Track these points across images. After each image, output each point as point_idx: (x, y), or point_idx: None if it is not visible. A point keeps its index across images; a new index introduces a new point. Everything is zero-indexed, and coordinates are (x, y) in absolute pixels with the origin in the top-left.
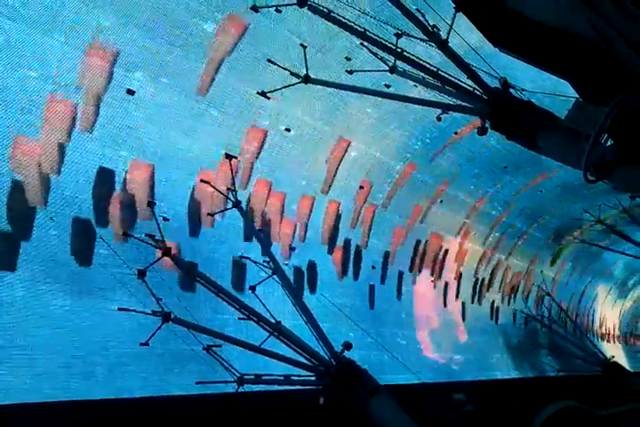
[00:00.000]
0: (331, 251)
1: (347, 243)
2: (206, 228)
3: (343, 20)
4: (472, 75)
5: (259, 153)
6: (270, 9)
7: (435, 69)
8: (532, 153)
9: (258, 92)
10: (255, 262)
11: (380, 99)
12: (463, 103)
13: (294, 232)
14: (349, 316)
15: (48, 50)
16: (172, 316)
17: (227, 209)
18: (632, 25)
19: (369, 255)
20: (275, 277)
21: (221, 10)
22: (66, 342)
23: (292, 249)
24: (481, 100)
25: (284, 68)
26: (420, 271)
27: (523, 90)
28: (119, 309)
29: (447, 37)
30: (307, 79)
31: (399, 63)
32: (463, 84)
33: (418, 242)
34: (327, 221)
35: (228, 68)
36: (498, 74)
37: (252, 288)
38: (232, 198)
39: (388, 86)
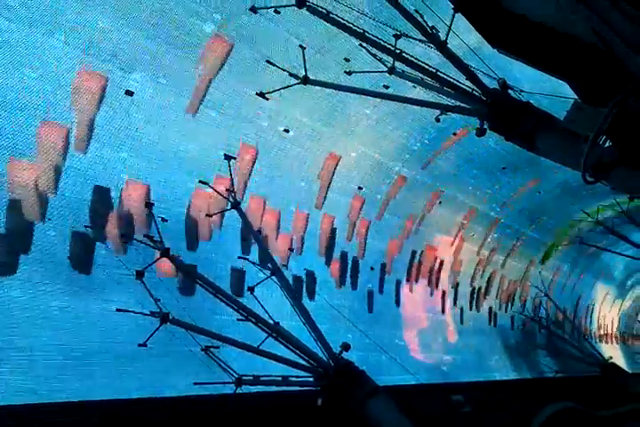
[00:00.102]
0: (328, 263)
1: (343, 255)
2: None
3: (342, 21)
4: (471, 76)
5: (251, 171)
6: (269, 10)
7: (433, 70)
8: (531, 154)
9: (257, 93)
10: (254, 263)
11: (378, 100)
12: (462, 104)
13: (291, 245)
14: (347, 317)
15: (47, 50)
16: (171, 317)
17: (226, 210)
18: (630, 25)
19: (366, 265)
20: (273, 278)
21: (220, 11)
22: (64, 343)
23: (290, 250)
24: (479, 101)
25: (283, 69)
26: (416, 281)
27: (521, 91)
28: (117, 310)
29: (446, 38)
30: (305, 80)
31: (398, 64)
32: (462, 85)
33: (413, 253)
34: (323, 233)
35: (227, 69)
36: (496, 75)
37: (251, 289)
38: (231, 199)
39: (386, 87)
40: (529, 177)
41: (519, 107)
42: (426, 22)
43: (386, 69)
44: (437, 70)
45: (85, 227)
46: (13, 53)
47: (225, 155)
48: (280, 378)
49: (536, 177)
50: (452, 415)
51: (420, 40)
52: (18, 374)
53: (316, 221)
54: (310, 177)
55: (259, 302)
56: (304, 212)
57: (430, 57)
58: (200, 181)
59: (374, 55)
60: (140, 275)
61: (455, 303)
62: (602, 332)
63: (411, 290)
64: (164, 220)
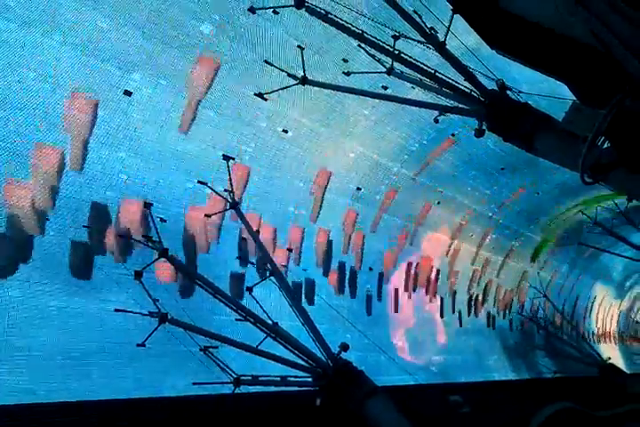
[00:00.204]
0: (326, 273)
1: (341, 265)
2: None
3: (341, 21)
4: (469, 77)
5: (245, 188)
6: (267, 10)
7: (432, 71)
8: (529, 155)
9: (255, 94)
10: (253, 264)
11: (377, 100)
12: (460, 105)
13: (288, 257)
14: (346, 318)
15: (46, 50)
16: (169, 317)
17: (225, 210)
18: (629, 27)
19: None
20: (272, 278)
21: (218, 11)
22: (63, 343)
23: (290, 250)
24: (478, 101)
25: (282, 70)
26: (414, 290)
27: (520, 92)
28: (116, 310)
29: (445, 39)
30: (304, 81)
31: (397, 65)
32: (460, 86)
33: (409, 264)
34: (319, 246)
35: (226, 69)
36: (495, 76)
37: (250, 289)
38: (229, 200)
39: (385, 88)
40: (526, 179)
41: (518, 108)
42: (424, 23)
43: (384, 70)
44: (436, 71)
45: (84, 226)
46: (12, 53)
47: (224, 155)
48: (279, 378)
49: (526, 182)
50: (451, 416)
51: (418, 41)
52: (16, 374)
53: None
54: (309, 177)
55: (257, 302)
56: (300, 226)
57: (429, 58)
58: (199, 182)
59: (373, 56)
60: (138, 275)
61: (454, 309)
62: (600, 332)
63: (410, 297)
64: (162, 220)
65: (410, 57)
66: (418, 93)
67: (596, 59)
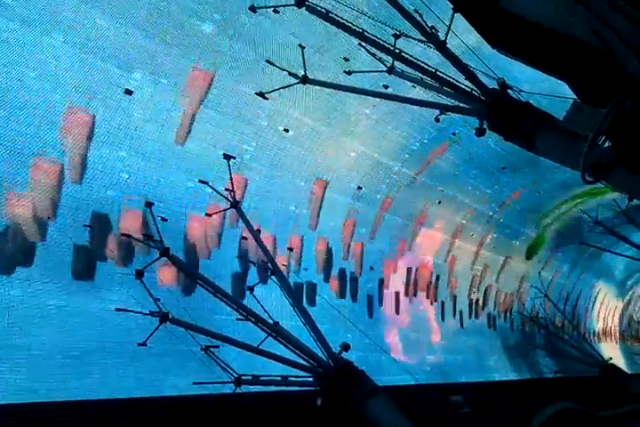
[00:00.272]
0: (327, 279)
1: (342, 271)
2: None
3: (341, 20)
4: (470, 76)
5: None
6: (268, 9)
7: (433, 70)
8: (530, 154)
9: (256, 93)
10: (254, 263)
11: (378, 99)
12: (461, 104)
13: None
14: (347, 317)
15: (46, 49)
16: (170, 316)
17: (225, 209)
18: (630, 26)
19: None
20: (273, 277)
21: (219, 10)
22: (63, 342)
23: (290, 250)
24: (479, 100)
25: (283, 69)
26: (415, 295)
27: (521, 91)
28: (117, 309)
29: (445, 38)
30: (305, 80)
31: (397, 64)
32: (461, 85)
33: (409, 270)
34: (319, 253)
35: (227, 68)
36: (496, 75)
37: (250, 289)
38: (230, 199)
39: (386, 87)
40: (527, 178)
41: (519, 107)
42: (425, 22)
43: (385, 69)
44: (437, 70)
45: (84, 226)
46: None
47: (224, 154)
48: (279, 378)
49: (527, 181)
50: (452, 416)
51: (419, 40)
52: (17, 373)
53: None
54: (310, 177)
55: (258, 301)
56: (299, 234)
57: (430, 57)
58: (200, 181)
59: (374, 55)
60: (139, 274)
61: (454, 312)
62: (601, 332)
63: (410, 301)
64: (163, 219)
65: (411, 56)
66: (419, 92)
67: (597, 58)
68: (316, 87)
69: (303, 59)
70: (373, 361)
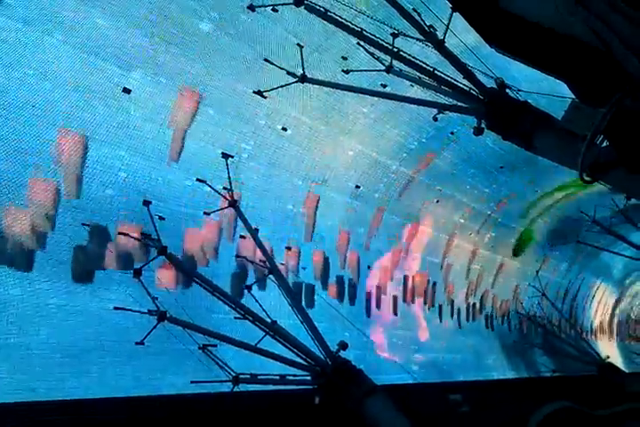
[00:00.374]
0: (325, 287)
1: (339, 278)
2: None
3: (340, 19)
4: (468, 75)
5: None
6: (267, 8)
7: (431, 69)
8: (529, 153)
9: (254, 92)
10: (252, 262)
11: (376, 98)
12: (459, 103)
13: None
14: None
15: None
16: (168, 315)
17: (223, 208)
18: (629, 26)
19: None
20: (271, 276)
21: (218, 9)
22: (61, 341)
23: (288, 249)
24: (477, 100)
25: (281, 68)
26: (412, 302)
27: (519, 90)
28: (115, 308)
29: (444, 37)
30: (303, 79)
31: (396, 63)
32: (459, 84)
33: (406, 277)
34: (316, 264)
35: (226, 67)
36: (494, 74)
37: (248, 288)
38: (228, 198)
39: (384, 86)
40: (526, 178)
41: (517, 106)
42: (423, 21)
43: (383, 68)
44: (435, 69)
45: (82, 224)
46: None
47: (222, 153)
48: (277, 377)
49: (525, 180)
50: (450, 415)
51: (417, 39)
52: (15, 372)
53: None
54: (308, 176)
55: (256, 300)
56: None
57: (428, 56)
58: (197, 179)
59: (372, 54)
60: (137, 273)
61: (452, 314)
62: (599, 330)
63: (408, 305)
64: (161, 218)
65: (409, 55)
66: (417, 91)
67: (596, 58)
68: (315, 86)
69: (302, 57)
70: (371, 360)
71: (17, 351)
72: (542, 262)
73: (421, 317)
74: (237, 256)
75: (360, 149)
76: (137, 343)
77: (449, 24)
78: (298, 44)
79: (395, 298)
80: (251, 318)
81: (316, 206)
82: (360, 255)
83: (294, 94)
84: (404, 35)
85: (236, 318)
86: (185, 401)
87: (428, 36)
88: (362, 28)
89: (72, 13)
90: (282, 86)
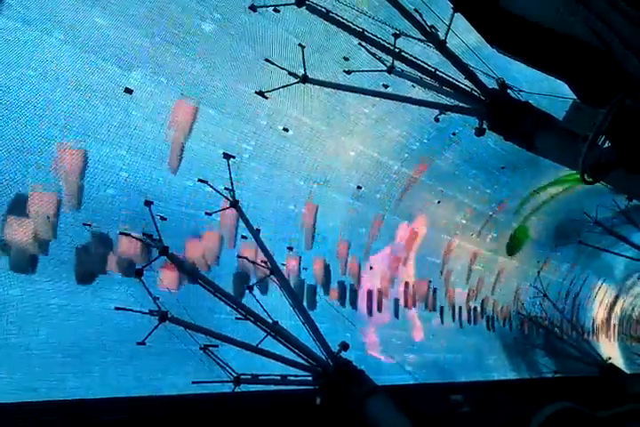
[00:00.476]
0: (327, 292)
1: (341, 283)
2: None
3: (341, 19)
4: (470, 75)
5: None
6: (268, 8)
7: (432, 70)
8: (530, 154)
9: (256, 92)
10: (253, 262)
11: (377, 99)
12: (461, 104)
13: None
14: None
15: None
16: (169, 315)
17: (225, 208)
18: (630, 26)
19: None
20: (272, 277)
21: (219, 9)
22: (63, 341)
23: (289, 249)
24: (478, 100)
25: (282, 68)
26: (414, 306)
27: (520, 91)
28: (116, 308)
29: (445, 38)
30: (305, 79)
31: (397, 63)
32: (461, 85)
33: (407, 284)
34: (317, 271)
35: (227, 68)
36: (495, 75)
37: (250, 288)
38: (230, 198)
39: (386, 86)
40: (527, 178)
41: (518, 106)
42: (425, 21)
43: (385, 68)
44: (436, 70)
45: (84, 224)
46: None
47: (224, 153)
48: (279, 377)
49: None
50: (451, 415)
51: (419, 39)
52: (16, 372)
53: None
54: (309, 176)
55: (257, 300)
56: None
57: (429, 56)
58: (199, 180)
59: (373, 54)
60: (138, 274)
61: (454, 317)
62: (600, 331)
63: (410, 309)
64: (162, 218)
65: (410, 55)
66: (418, 92)
67: (597, 58)
68: (316, 87)
69: (303, 58)
70: (372, 361)
71: (18, 351)
72: (544, 263)
73: (423, 319)
74: (239, 257)
75: (361, 150)
76: (138, 343)
77: (450, 24)
78: (299, 45)
79: (396, 301)
80: (252, 319)
81: (315, 216)
82: (362, 256)
83: (295, 95)
84: (406, 35)
85: (237, 318)
86: (186, 401)
87: (430, 36)
88: (363, 29)
89: (72, 13)
90: (283, 87)
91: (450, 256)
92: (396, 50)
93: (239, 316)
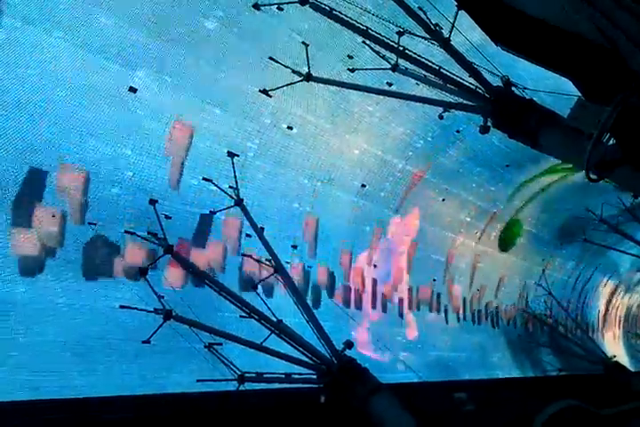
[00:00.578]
0: (331, 295)
1: (346, 287)
2: None
3: (345, 17)
4: (474, 73)
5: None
6: (272, 6)
7: (437, 68)
8: (534, 151)
9: (260, 90)
10: (257, 261)
11: (381, 97)
12: (465, 101)
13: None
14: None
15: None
16: (174, 313)
17: (229, 207)
18: (636, 23)
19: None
20: (276, 275)
21: (223, 7)
22: (68, 340)
23: (294, 247)
24: (483, 98)
25: (286, 66)
26: (418, 309)
27: (525, 88)
28: (121, 306)
29: (449, 36)
30: (308, 77)
31: (401, 61)
32: (465, 83)
33: (410, 290)
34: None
35: (231, 67)
36: (500, 72)
37: (254, 287)
38: (234, 197)
39: (390, 84)
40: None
41: (523, 104)
42: (429, 19)
43: (389, 66)
44: (441, 67)
45: (89, 224)
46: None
47: (228, 152)
48: (283, 375)
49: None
50: (455, 413)
51: (423, 37)
52: (21, 371)
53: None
54: (314, 174)
55: (262, 299)
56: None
57: (434, 54)
58: (204, 178)
59: (377, 52)
60: (143, 273)
61: (458, 318)
62: (605, 329)
63: (414, 312)
64: (167, 217)
65: (414, 53)
66: (422, 90)
67: (602, 55)
68: (320, 85)
69: (307, 56)
70: (377, 358)
71: (23, 350)
72: (548, 261)
73: (427, 317)
74: (243, 255)
75: (366, 148)
76: (143, 342)
77: (454, 22)
78: (303, 43)
79: (400, 300)
80: (256, 317)
81: (316, 232)
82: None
83: (299, 93)
84: (410, 33)
85: (241, 316)
86: (190, 400)
87: (434, 34)
88: (367, 27)
89: (75, 12)
90: (287, 85)
91: (454, 254)
92: (400, 48)
93: (243, 314)
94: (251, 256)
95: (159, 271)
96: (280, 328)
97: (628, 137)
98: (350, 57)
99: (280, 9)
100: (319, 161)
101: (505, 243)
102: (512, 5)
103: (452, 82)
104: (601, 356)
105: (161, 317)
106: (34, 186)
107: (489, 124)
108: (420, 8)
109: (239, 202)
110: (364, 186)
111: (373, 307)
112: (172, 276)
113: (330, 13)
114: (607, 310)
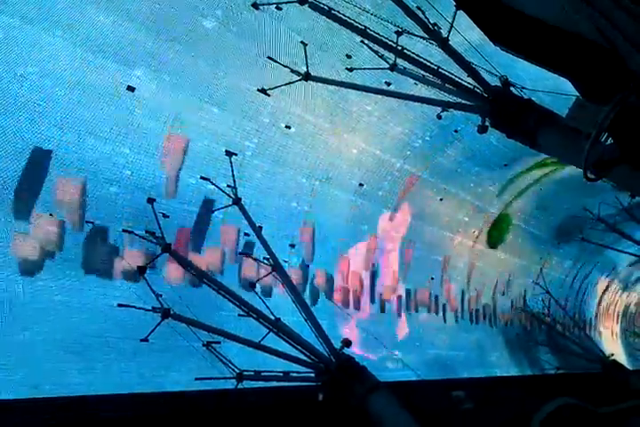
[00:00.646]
0: (330, 297)
1: (344, 288)
2: None
3: (344, 17)
4: (472, 73)
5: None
6: (271, 6)
7: (435, 67)
8: (533, 151)
9: (258, 90)
10: (255, 259)
11: (380, 96)
12: (463, 101)
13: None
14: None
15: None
16: (172, 312)
17: (227, 206)
18: (634, 24)
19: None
20: (274, 273)
21: (222, 7)
22: (66, 338)
23: (292, 246)
24: (481, 98)
25: (285, 66)
26: (416, 311)
27: (523, 88)
28: (119, 305)
29: (448, 35)
30: (307, 77)
31: (400, 61)
32: (464, 83)
33: (408, 291)
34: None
35: (230, 66)
36: (498, 72)
37: (252, 285)
38: (232, 196)
39: (388, 84)
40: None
41: (521, 104)
42: (427, 19)
43: (387, 66)
44: (439, 67)
45: (87, 222)
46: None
47: (226, 151)
48: (281, 373)
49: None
50: (453, 411)
51: (421, 37)
52: (19, 369)
53: None
54: (312, 174)
55: (260, 297)
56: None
57: (432, 54)
58: (201, 177)
59: (376, 52)
60: (141, 271)
61: (456, 318)
62: (603, 327)
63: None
64: (165, 216)
65: (413, 53)
66: (421, 89)
67: (601, 55)
68: (318, 84)
69: (305, 56)
70: (375, 357)
71: (21, 348)
72: (546, 260)
73: (425, 316)
74: (241, 253)
75: (364, 147)
76: (141, 340)
77: (453, 22)
78: (302, 42)
79: (399, 297)
80: (254, 316)
81: (313, 238)
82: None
83: (298, 92)
84: (408, 33)
85: (239, 315)
86: (189, 398)
87: (432, 34)
88: (366, 26)
89: (74, 11)
90: (286, 84)
91: (452, 253)
92: (399, 47)
93: (242, 312)
94: (249, 255)
95: (157, 270)
96: (278, 327)
97: (626, 137)
98: (349, 56)
99: (279, 8)
100: (317, 160)
101: (494, 239)
102: (511, 5)
103: (451, 81)
104: (599, 354)
105: (159, 315)
106: (32, 184)
107: (487, 123)
108: (419, 8)
109: (237, 201)
110: (361, 185)
111: (372, 302)
112: (171, 274)
113: (328, 13)
114: (605, 308)
